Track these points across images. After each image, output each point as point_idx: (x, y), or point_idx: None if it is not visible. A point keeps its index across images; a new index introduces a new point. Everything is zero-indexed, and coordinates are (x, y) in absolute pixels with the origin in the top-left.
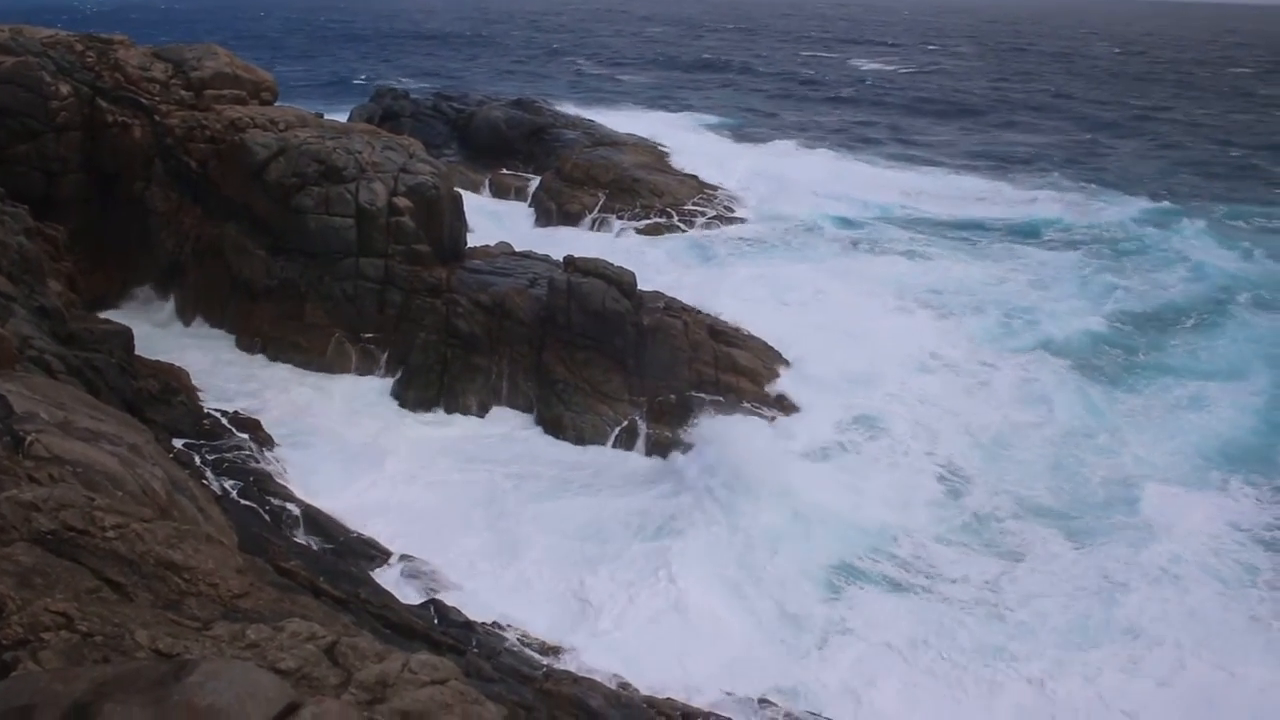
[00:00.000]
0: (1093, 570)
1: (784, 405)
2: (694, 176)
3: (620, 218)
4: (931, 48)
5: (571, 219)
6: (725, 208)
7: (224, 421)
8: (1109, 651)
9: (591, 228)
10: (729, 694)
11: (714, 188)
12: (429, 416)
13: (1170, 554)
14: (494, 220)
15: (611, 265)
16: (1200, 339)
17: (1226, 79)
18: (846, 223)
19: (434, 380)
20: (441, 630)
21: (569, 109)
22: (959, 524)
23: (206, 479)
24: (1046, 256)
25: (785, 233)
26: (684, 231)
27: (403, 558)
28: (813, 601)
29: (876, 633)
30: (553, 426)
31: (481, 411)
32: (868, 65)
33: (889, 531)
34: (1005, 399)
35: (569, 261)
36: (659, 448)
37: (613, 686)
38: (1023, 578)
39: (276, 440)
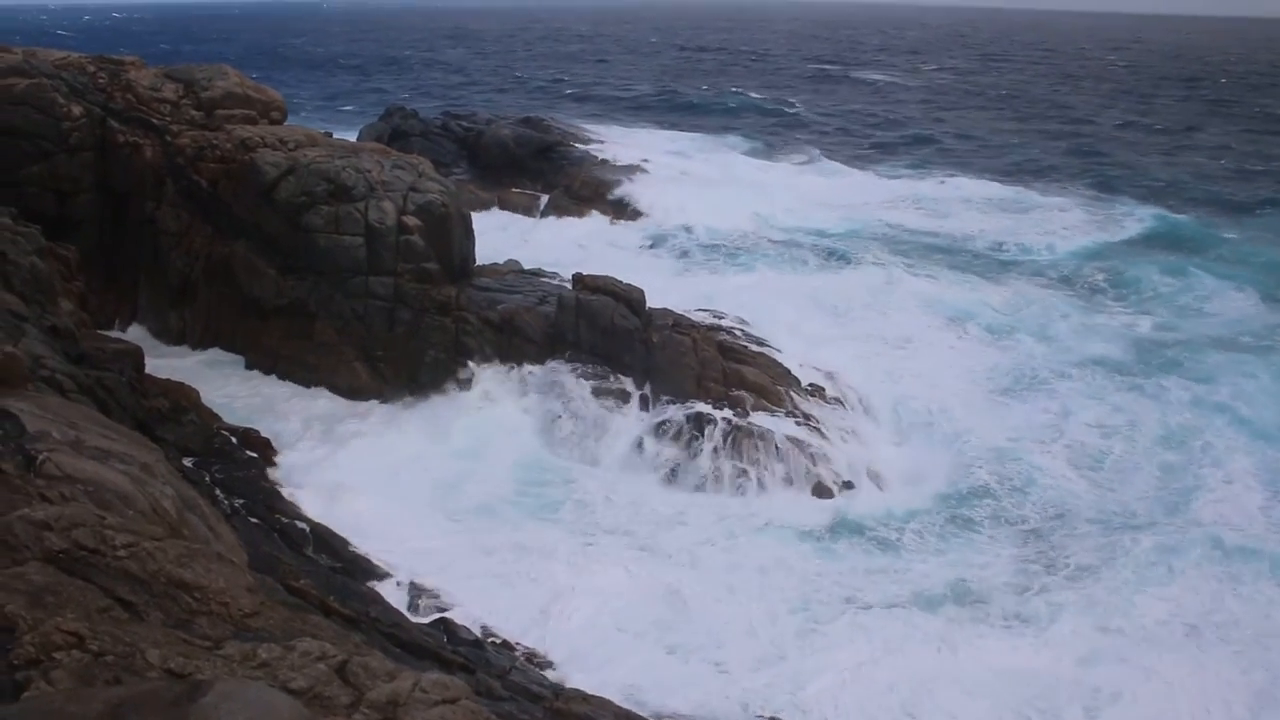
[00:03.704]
0: None
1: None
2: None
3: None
4: (929, 65)
5: None
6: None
7: (234, 440)
8: None
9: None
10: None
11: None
12: (439, 434)
13: None
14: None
15: (620, 282)
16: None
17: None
18: (858, 239)
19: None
20: (452, 649)
21: (578, 126)
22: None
23: (217, 497)
24: (1050, 269)
25: (791, 248)
26: (687, 245)
27: (413, 578)
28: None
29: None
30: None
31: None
32: (874, 76)
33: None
34: (1083, 416)
35: (578, 279)
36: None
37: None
38: None
39: (287, 457)
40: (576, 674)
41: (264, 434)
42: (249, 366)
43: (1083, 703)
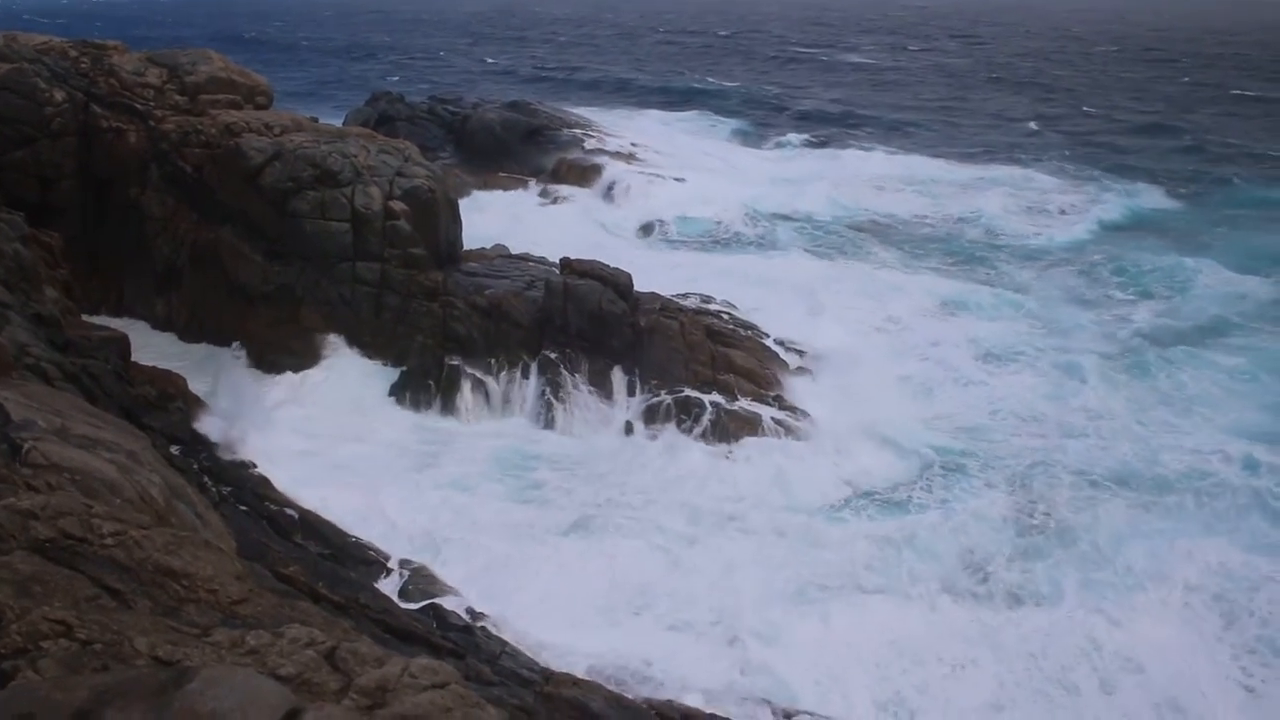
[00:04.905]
0: None
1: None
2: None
3: None
4: (913, 46)
5: None
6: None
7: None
8: None
9: None
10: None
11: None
12: (427, 420)
13: None
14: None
15: (608, 266)
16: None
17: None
18: (845, 222)
19: (432, 384)
20: (441, 634)
21: (563, 110)
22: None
23: (205, 485)
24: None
25: (778, 232)
26: (674, 229)
27: (403, 563)
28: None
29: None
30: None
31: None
32: (857, 59)
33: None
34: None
35: (565, 263)
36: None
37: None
38: None
39: (275, 444)
40: (566, 656)
41: (246, 419)
42: (235, 352)
43: (1097, 669)
